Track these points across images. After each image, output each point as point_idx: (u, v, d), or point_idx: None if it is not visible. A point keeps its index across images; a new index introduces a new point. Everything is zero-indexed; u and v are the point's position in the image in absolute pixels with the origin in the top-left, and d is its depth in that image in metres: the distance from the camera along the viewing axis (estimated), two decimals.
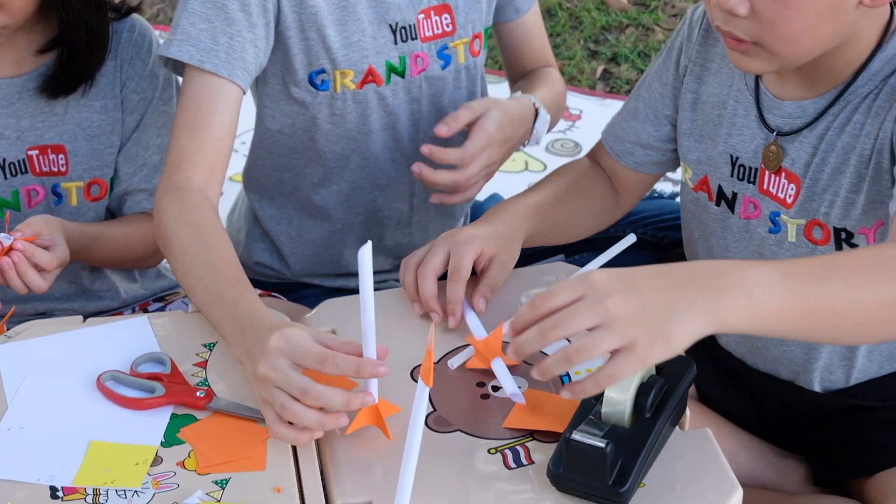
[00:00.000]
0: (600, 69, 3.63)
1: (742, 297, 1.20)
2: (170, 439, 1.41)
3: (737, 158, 1.65)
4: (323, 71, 1.83)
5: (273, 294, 2.02)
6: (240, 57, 1.71)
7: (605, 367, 1.21)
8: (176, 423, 1.43)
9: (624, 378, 1.22)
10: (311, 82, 1.84)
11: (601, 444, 1.26)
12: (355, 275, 2.01)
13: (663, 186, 2.88)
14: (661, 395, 1.32)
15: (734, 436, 1.75)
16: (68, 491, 1.34)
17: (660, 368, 1.36)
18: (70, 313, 1.94)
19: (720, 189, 1.68)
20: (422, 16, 1.86)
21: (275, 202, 2.02)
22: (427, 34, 1.87)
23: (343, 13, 1.80)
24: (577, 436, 1.28)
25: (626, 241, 1.66)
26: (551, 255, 2.08)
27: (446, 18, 1.88)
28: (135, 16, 1.92)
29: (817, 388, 1.70)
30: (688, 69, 1.71)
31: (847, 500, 1.67)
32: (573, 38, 3.77)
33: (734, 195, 1.67)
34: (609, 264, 1.62)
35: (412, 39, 1.86)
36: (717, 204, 1.69)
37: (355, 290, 2.01)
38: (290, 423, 1.35)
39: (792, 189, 1.59)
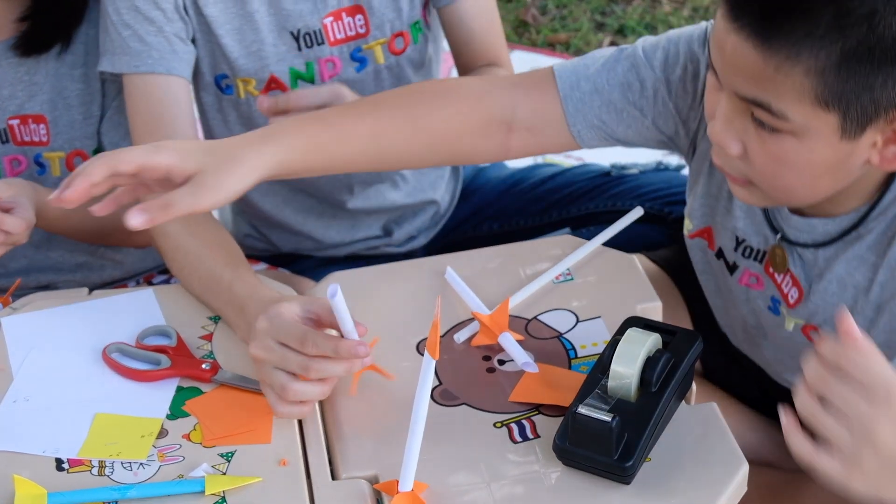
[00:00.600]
0: (607, 41, 3.61)
1: None
2: (175, 412, 1.41)
3: (743, 240, 1.54)
4: (226, 76, 1.82)
5: (277, 267, 2.02)
6: (171, 50, 1.71)
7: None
8: (181, 395, 1.43)
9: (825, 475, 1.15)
10: (217, 85, 1.83)
11: (607, 419, 1.26)
12: (343, 245, 2.03)
13: (669, 158, 2.87)
14: (668, 369, 1.32)
15: (740, 414, 1.75)
16: (74, 463, 1.34)
17: (666, 343, 1.36)
18: (73, 285, 1.93)
19: (720, 251, 1.58)
20: (329, 19, 1.79)
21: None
22: (337, 37, 1.81)
23: (241, 22, 1.76)
24: (583, 410, 1.27)
25: (633, 214, 1.64)
26: (556, 228, 2.07)
27: (360, 20, 1.81)
28: None
29: None
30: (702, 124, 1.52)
31: None
32: (580, 10, 3.75)
33: (735, 265, 1.57)
34: (618, 236, 1.62)
35: (318, 45, 1.81)
36: (718, 258, 1.60)
37: (351, 257, 2.03)
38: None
39: (795, 293, 1.50)
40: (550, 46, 3.58)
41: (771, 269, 1.51)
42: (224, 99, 1.84)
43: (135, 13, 1.69)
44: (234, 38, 1.77)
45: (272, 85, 1.81)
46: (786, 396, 1.74)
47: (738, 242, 1.55)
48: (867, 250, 1.43)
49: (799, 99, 1.24)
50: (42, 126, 1.87)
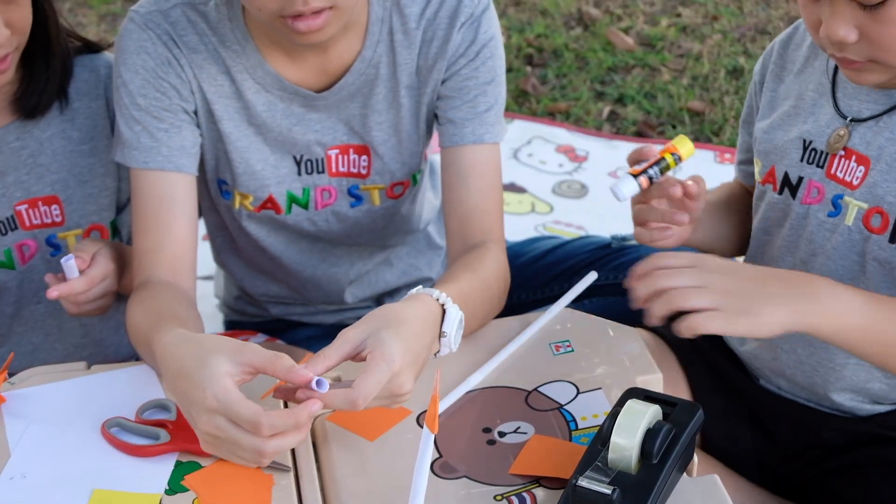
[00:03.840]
0: (607, 110, 3.63)
1: (827, 307, 1.44)
2: (174, 487, 1.40)
3: (810, 142, 1.67)
4: (226, 182, 1.82)
5: (275, 339, 2.02)
6: (180, 146, 1.70)
7: (694, 316, 1.40)
8: (180, 470, 1.42)
9: (706, 331, 1.40)
10: (218, 186, 1.84)
11: (607, 491, 1.25)
12: (332, 311, 2.02)
13: None
14: (669, 440, 1.31)
15: (737, 484, 1.74)
16: None
17: (667, 414, 1.35)
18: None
19: (786, 176, 1.70)
20: (335, 151, 1.80)
21: (223, 258, 2.04)
22: (339, 170, 1.82)
23: (249, 142, 1.77)
24: (583, 482, 1.27)
25: (588, 279, 1.70)
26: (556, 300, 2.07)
27: (364, 161, 1.81)
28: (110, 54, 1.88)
29: (844, 402, 1.71)
30: (766, 77, 1.76)
31: None
32: (579, 79, 3.77)
33: (800, 180, 1.68)
34: (619, 306, 1.62)
35: (318, 172, 1.82)
36: (780, 192, 1.71)
37: (341, 327, 2.03)
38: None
39: (860, 171, 1.61)
40: (550, 115, 3.60)
41: (833, 170, 1.64)
42: (222, 201, 1.86)
43: (143, 112, 1.69)
44: (241, 156, 1.77)
45: (268, 204, 1.83)
46: (784, 457, 1.75)
47: (805, 147, 1.68)
48: None
49: None
50: (55, 206, 1.86)
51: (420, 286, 1.51)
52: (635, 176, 1.58)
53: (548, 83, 3.78)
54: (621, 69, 3.84)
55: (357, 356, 1.38)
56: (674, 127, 3.52)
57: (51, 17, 1.77)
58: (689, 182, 1.61)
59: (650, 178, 1.59)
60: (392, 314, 1.41)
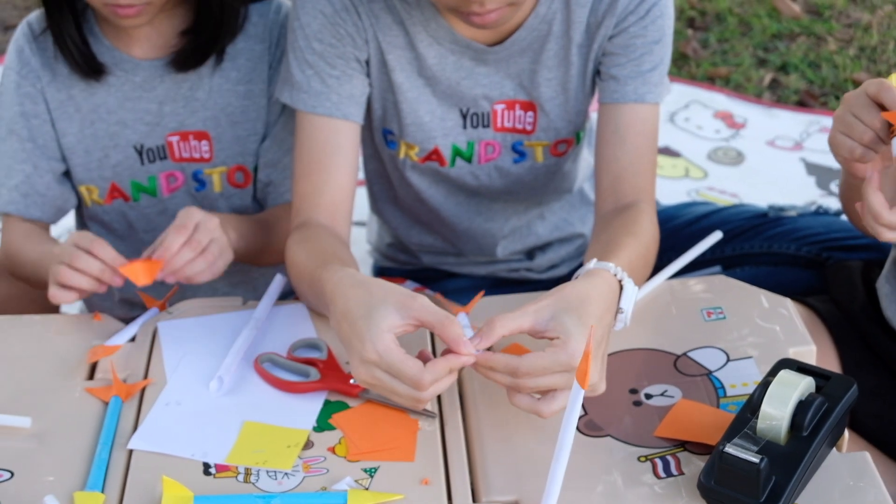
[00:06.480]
0: (768, 78, 3.56)
1: None
2: (322, 424, 1.42)
3: None
4: (392, 132, 1.83)
5: (424, 288, 2.03)
6: (349, 94, 1.72)
7: None
8: (329, 408, 1.45)
9: None
10: (384, 136, 1.84)
11: (755, 460, 1.23)
12: (484, 262, 2.03)
13: (829, 202, 2.82)
14: (821, 414, 1.29)
15: (885, 465, 1.70)
16: (221, 468, 1.36)
17: (819, 387, 1.33)
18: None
19: None
20: (501, 106, 1.79)
21: (380, 206, 2.05)
22: (504, 125, 1.81)
23: (419, 93, 1.77)
24: (730, 449, 1.26)
25: (712, 238, 1.75)
26: (708, 267, 2.05)
27: (529, 116, 1.80)
28: None
29: None
30: None
31: None
32: (742, 45, 3.70)
33: None
34: (771, 279, 1.59)
35: (483, 126, 1.81)
36: None
37: (492, 281, 2.02)
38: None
39: None
40: (710, 80, 3.55)
41: None
42: (386, 150, 1.87)
43: (317, 57, 1.70)
44: (410, 107, 1.78)
45: (433, 156, 1.83)
46: None
47: None
48: None
49: None
50: (205, 142, 1.89)
51: (594, 259, 1.48)
52: None
53: (709, 47, 3.72)
54: (786, 36, 3.76)
55: (537, 334, 1.38)
56: (837, 98, 3.44)
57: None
58: None
59: None
60: (577, 297, 1.39)
